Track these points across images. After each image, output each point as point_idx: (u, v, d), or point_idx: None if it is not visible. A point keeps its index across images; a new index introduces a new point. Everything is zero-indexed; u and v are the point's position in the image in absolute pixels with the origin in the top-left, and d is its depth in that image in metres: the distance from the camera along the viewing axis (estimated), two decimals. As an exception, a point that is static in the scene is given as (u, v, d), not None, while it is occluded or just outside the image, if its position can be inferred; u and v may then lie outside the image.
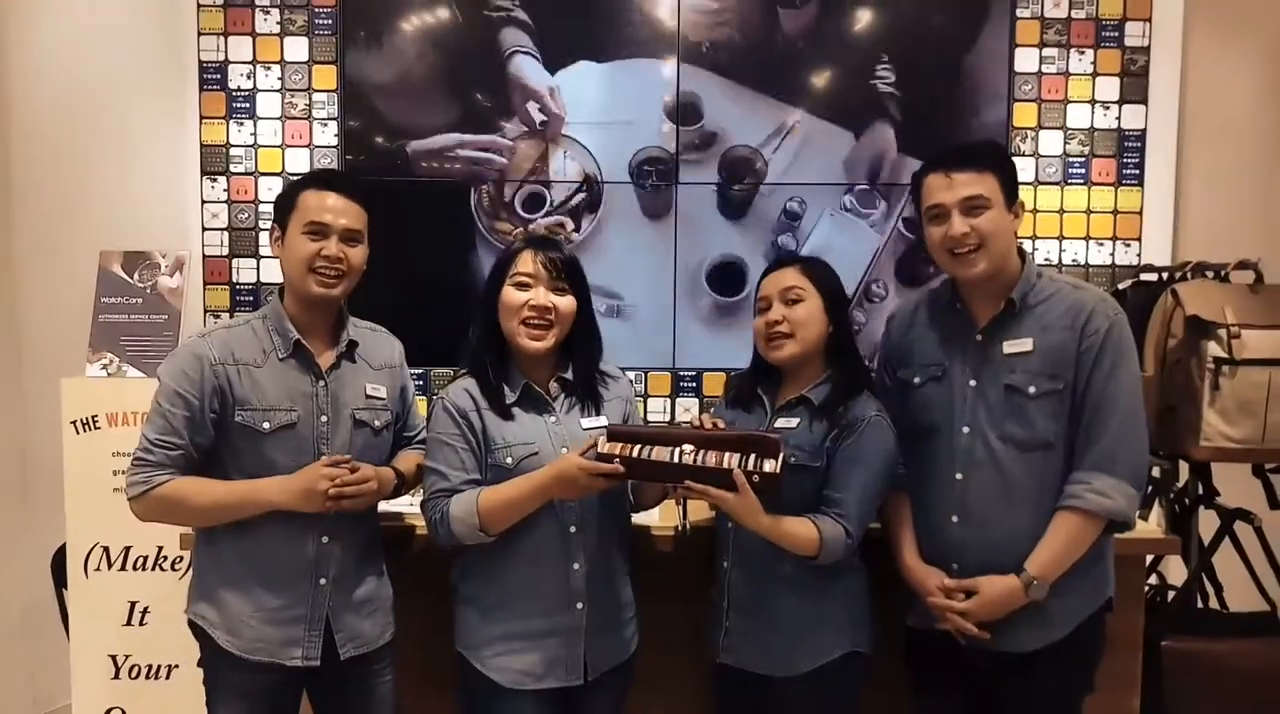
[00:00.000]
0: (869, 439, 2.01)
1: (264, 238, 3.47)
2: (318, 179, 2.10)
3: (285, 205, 2.07)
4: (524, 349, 2.03)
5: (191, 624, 2.07)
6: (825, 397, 2.06)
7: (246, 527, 2.00)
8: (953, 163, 2.02)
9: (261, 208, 3.49)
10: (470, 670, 2.04)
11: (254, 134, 3.47)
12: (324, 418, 2.04)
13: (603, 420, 2.07)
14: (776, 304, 2.08)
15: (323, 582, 2.04)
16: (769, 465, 1.87)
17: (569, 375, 2.09)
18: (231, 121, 3.47)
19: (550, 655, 2.01)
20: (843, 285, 2.16)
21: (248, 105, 3.46)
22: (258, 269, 3.51)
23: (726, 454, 1.89)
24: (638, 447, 1.90)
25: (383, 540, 2.21)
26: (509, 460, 1.99)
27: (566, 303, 2.04)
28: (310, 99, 3.45)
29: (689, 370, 3.54)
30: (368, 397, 2.11)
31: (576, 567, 2.01)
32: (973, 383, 2.05)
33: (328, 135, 3.47)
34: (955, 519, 2.04)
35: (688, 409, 3.52)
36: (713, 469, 1.88)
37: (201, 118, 3.47)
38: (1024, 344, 2.01)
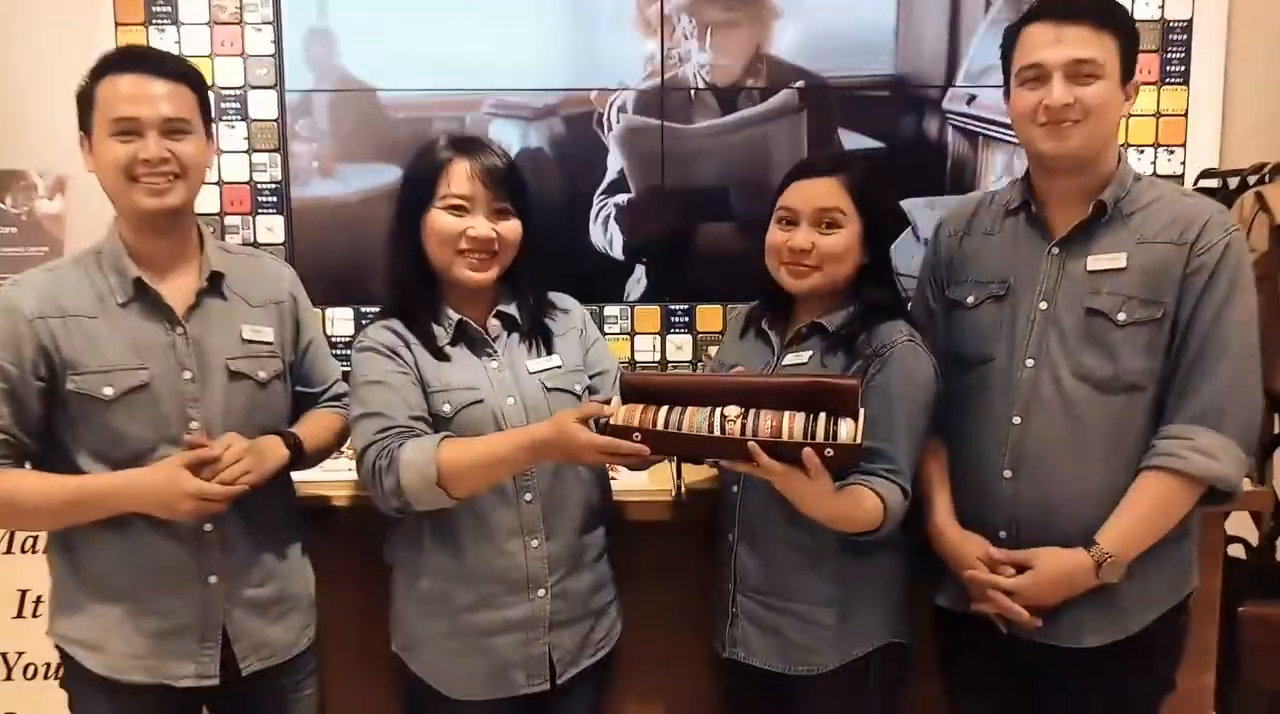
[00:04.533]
0: (900, 367, 1.68)
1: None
2: (118, 62, 1.69)
3: (85, 101, 1.69)
4: (462, 282, 1.72)
5: (57, 646, 1.73)
6: (843, 322, 1.72)
7: (109, 518, 1.64)
8: (1064, 13, 1.68)
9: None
10: (409, 676, 1.76)
11: (178, 43, 3.08)
12: (188, 374, 1.68)
13: (555, 360, 1.78)
14: (806, 226, 1.71)
15: (212, 580, 1.70)
16: (845, 431, 1.48)
17: (511, 309, 1.78)
18: (151, 27, 3.09)
19: (503, 658, 1.72)
20: (893, 199, 1.83)
21: (169, 9, 3.09)
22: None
23: (786, 415, 1.49)
24: (664, 409, 1.51)
25: (300, 517, 1.88)
26: (446, 407, 1.69)
27: (511, 228, 1.73)
28: (240, 1, 3.08)
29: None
30: (245, 341, 1.74)
31: (535, 544, 1.71)
32: (1044, 306, 1.73)
33: (263, 42, 3.09)
34: (1008, 474, 1.75)
35: (680, 347, 3.16)
36: (771, 443, 1.47)
37: (117, 24, 3.08)
38: (1116, 259, 1.70)
